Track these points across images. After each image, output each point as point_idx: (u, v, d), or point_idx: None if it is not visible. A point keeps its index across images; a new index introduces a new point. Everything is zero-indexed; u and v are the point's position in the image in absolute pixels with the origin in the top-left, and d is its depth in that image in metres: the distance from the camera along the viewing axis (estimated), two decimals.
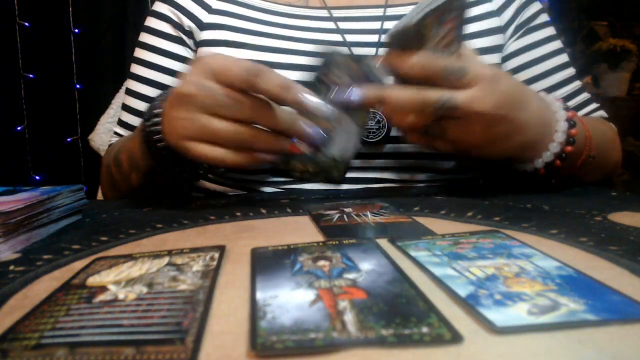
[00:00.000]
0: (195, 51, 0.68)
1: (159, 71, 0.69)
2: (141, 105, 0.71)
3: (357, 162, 0.63)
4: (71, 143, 1.71)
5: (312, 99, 0.42)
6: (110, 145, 0.75)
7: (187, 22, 0.68)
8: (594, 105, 0.70)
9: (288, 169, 0.46)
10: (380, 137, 0.60)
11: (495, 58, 0.66)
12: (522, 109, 0.45)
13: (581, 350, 0.18)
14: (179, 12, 0.68)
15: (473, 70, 0.42)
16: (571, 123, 0.47)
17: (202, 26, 0.67)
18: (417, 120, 0.44)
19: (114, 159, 0.61)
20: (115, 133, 0.75)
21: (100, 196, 0.96)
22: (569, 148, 0.47)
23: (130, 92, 0.72)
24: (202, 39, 0.67)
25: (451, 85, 0.42)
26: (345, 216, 0.40)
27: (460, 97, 0.42)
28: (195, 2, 0.68)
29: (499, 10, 0.68)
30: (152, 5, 0.73)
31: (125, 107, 0.73)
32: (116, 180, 0.61)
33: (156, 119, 0.47)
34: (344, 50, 0.46)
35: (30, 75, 1.66)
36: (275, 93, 0.41)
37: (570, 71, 0.69)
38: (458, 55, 0.44)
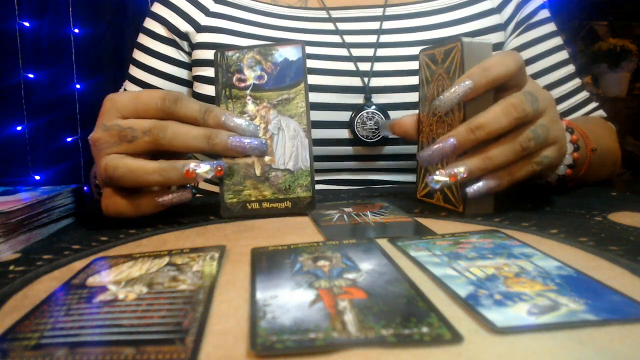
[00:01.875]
0: (190, 54, 0.68)
1: (153, 74, 0.69)
2: None
3: (357, 164, 0.63)
4: (71, 143, 1.72)
5: (235, 119, 0.41)
6: None
7: (183, 25, 0.68)
8: (593, 105, 0.70)
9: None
10: (379, 137, 0.60)
11: None
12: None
13: (581, 350, 0.18)
14: (176, 14, 0.68)
15: (538, 94, 0.40)
16: (570, 130, 0.46)
17: (199, 29, 0.67)
18: (521, 168, 0.40)
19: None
20: None
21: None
22: (575, 155, 0.46)
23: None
24: (198, 41, 0.67)
25: (535, 117, 0.39)
26: (345, 216, 0.40)
27: (545, 122, 0.40)
28: (193, 5, 0.68)
29: (499, 7, 0.68)
30: (152, 6, 0.73)
31: None
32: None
33: None
34: None
35: (30, 75, 1.66)
36: (194, 116, 0.40)
37: (570, 68, 0.69)
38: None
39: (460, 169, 0.38)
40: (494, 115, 0.38)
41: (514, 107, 0.38)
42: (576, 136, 0.46)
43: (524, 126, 0.39)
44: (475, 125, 0.38)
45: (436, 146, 0.39)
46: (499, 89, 0.40)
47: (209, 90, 0.63)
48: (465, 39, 0.40)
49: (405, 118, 0.49)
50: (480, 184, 0.39)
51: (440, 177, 0.38)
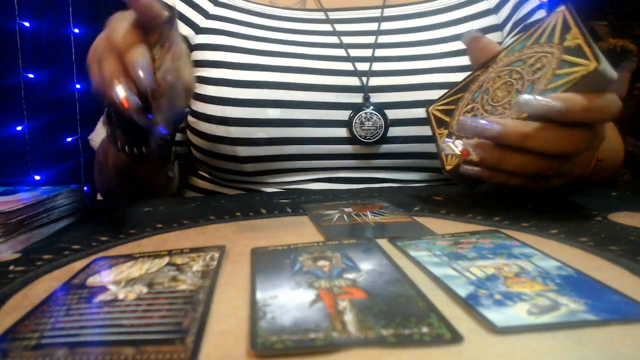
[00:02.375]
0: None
1: None
2: None
3: (355, 163, 0.64)
4: (71, 143, 1.72)
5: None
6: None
7: (183, 29, 0.68)
8: None
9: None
10: (378, 137, 0.61)
11: None
12: None
13: (581, 350, 0.18)
14: (178, 18, 0.68)
15: (599, 135, 0.39)
16: None
17: (199, 31, 0.67)
18: (521, 180, 0.40)
19: (102, 150, 0.61)
20: None
21: (100, 196, 0.97)
22: None
23: None
24: (197, 43, 0.67)
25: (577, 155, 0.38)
26: (345, 216, 0.40)
27: (577, 160, 0.39)
28: (193, 8, 0.68)
29: (496, 7, 0.69)
30: None
31: None
32: (103, 167, 0.61)
33: None
34: None
35: (30, 75, 1.66)
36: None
37: None
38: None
39: (475, 153, 0.38)
40: (552, 138, 0.36)
41: (573, 144, 0.36)
42: None
43: (561, 159, 0.38)
44: (528, 134, 0.36)
45: (483, 122, 0.38)
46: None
47: (209, 90, 0.63)
48: (603, 66, 0.35)
49: (492, 47, 0.46)
50: (476, 168, 0.39)
51: (454, 147, 0.39)
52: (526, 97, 0.36)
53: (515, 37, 0.45)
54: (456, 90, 0.48)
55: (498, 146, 0.38)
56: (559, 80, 0.37)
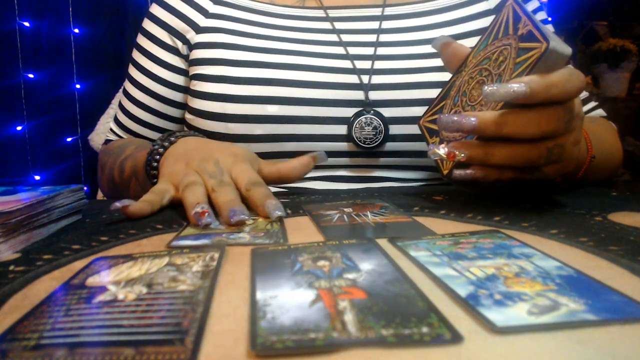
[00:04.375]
0: (188, 57, 0.69)
1: (151, 78, 0.70)
2: (133, 108, 0.72)
3: (354, 161, 0.64)
4: (71, 143, 1.72)
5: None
6: (107, 141, 0.75)
7: (183, 28, 0.68)
8: (592, 104, 0.70)
9: None
10: (377, 142, 0.61)
11: None
12: None
13: (581, 350, 0.18)
14: (177, 17, 0.68)
15: (575, 112, 0.39)
16: None
17: (199, 30, 0.67)
18: (514, 173, 0.40)
19: (119, 164, 0.61)
20: (111, 130, 0.76)
21: (100, 196, 0.97)
22: None
23: (125, 93, 0.73)
24: (197, 41, 0.67)
25: (560, 135, 0.38)
26: (345, 216, 0.40)
27: (564, 142, 0.39)
28: (193, 7, 0.68)
29: (495, 8, 0.69)
30: (153, 2, 0.73)
31: (120, 107, 0.74)
32: (117, 184, 0.61)
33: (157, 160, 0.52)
34: None
35: (30, 75, 1.66)
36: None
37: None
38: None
39: (461, 154, 0.39)
40: (526, 121, 0.37)
41: (548, 123, 0.37)
42: None
43: (545, 141, 0.38)
44: (503, 120, 0.37)
45: (457, 118, 0.38)
46: None
47: (207, 87, 0.63)
48: (553, 44, 0.36)
49: (461, 50, 0.48)
50: (467, 171, 0.40)
51: (440, 152, 0.39)
52: (490, 87, 0.37)
53: (479, 38, 0.46)
54: (439, 100, 0.50)
55: (481, 142, 0.39)
56: (520, 68, 0.38)
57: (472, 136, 0.41)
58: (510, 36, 0.41)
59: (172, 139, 0.53)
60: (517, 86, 0.36)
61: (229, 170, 0.47)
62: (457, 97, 0.46)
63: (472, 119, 0.38)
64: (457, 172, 0.40)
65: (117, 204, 0.42)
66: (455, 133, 0.43)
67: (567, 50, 0.37)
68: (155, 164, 0.52)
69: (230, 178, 0.46)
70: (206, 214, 0.39)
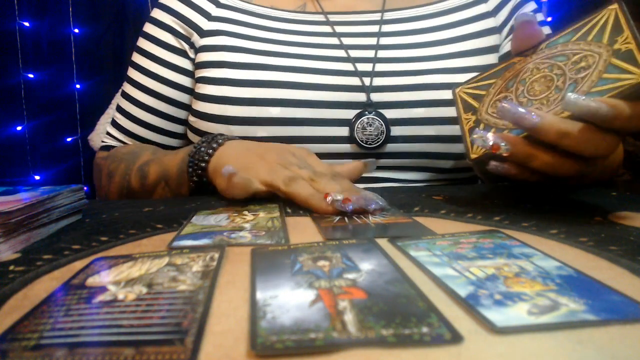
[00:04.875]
0: (194, 59, 0.69)
1: (158, 81, 0.70)
2: (137, 111, 0.71)
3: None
4: (71, 143, 1.72)
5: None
6: (105, 147, 0.74)
7: (189, 32, 0.68)
8: None
9: None
10: (379, 143, 0.61)
11: (492, 58, 0.67)
12: None
13: (581, 350, 0.18)
14: (181, 21, 0.69)
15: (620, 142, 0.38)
16: None
17: (202, 33, 0.67)
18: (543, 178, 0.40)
19: (137, 170, 0.61)
20: (108, 134, 0.75)
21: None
22: None
23: (126, 96, 0.73)
24: (201, 45, 0.67)
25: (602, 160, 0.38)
26: (345, 217, 0.40)
27: (600, 163, 0.40)
28: (196, 11, 0.68)
29: (494, 10, 0.69)
30: (152, 6, 0.73)
31: (121, 110, 0.74)
32: (134, 190, 0.61)
33: (207, 157, 0.52)
34: None
35: (30, 75, 1.66)
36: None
37: None
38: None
39: (506, 147, 0.37)
40: (588, 141, 0.35)
41: (607, 148, 0.36)
42: None
43: (589, 161, 0.37)
44: (566, 132, 0.35)
45: (523, 111, 0.36)
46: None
47: (210, 90, 0.63)
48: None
49: (540, 34, 0.44)
50: (504, 166, 0.39)
51: (487, 139, 0.37)
52: (575, 96, 0.34)
53: (561, 30, 0.43)
54: (488, 75, 0.46)
55: (530, 142, 0.37)
56: (605, 85, 0.36)
57: (518, 130, 0.38)
58: (603, 45, 0.38)
59: (220, 141, 0.54)
60: (603, 107, 0.34)
61: (307, 161, 0.48)
62: (513, 83, 0.43)
63: (536, 117, 0.36)
64: (494, 164, 0.39)
65: (230, 168, 0.45)
66: (499, 121, 0.41)
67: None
68: (203, 165, 0.52)
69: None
70: (350, 201, 0.40)
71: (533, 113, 0.36)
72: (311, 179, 0.45)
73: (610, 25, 0.38)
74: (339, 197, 0.40)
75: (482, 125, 0.43)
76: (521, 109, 0.36)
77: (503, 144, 0.37)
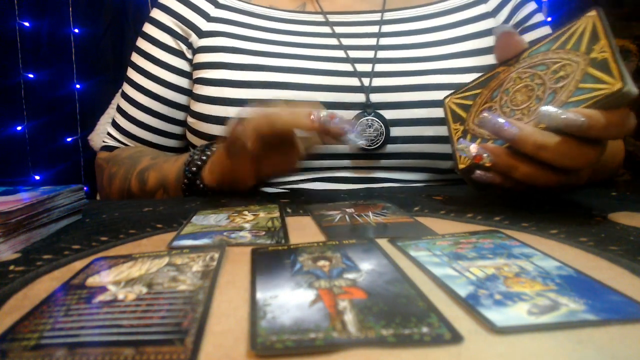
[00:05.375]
0: (192, 60, 0.69)
1: (156, 82, 0.70)
2: (135, 112, 0.71)
3: (356, 163, 0.64)
4: (71, 143, 1.72)
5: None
6: (106, 147, 0.74)
7: (187, 32, 0.68)
8: None
9: None
10: (378, 144, 0.61)
11: (491, 59, 0.66)
12: None
13: (581, 350, 0.18)
14: (179, 21, 0.68)
15: (601, 154, 0.39)
16: None
17: (201, 34, 0.67)
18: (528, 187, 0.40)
19: (137, 175, 0.61)
20: (109, 134, 0.75)
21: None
22: None
23: (125, 97, 0.73)
24: (200, 45, 0.67)
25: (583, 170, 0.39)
26: (346, 216, 0.40)
27: (584, 173, 0.40)
28: (194, 11, 0.68)
29: (494, 11, 0.69)
30: (152, 6, 0.73)
31: (120, 111, 0.74)
32: (134, 194, 0.61)
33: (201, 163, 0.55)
34: None
35: (30, 75, 1.66)
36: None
37: None
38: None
39: (488, 158, 0.38)
40: (565, 153, 0.36)
41: (586, 160, 0.36)
42: None
43: (569, 173, 0.38)
44: (543, 144, 0.36)
45: (502, 121, 0.37)
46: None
47: (209, 91, 0.63)
48: (628, 87, 0.34)
49: (521, 43, 0.45)
50: (488, 175, 0.39)
51: (471, 149, 0.39)
52: (549, 109, 0.35)
53: (542, 38, 0.43)
54: (475, 85, 0.47)
55: (512, 154, 0.38)
56: (581, 95, 0.36)
57: (502, 141, 0.39)
58: (580, 54, 0.38)
59: (214, 149, 0.55)
60: (576, 118, 0.34)
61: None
62: (497, 93, 0.44)
63: (514, 129, 0.37)
64: (479, 173, 0.40)
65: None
66: (485, 131, 0.42)
67: (635, 92, 0.35)
68: (194, 169, 0.55)
69: None
70: (334, 116, 0.41)
71: (512, 124, 0.37)
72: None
73: (589, 33, 0.39)
74: (324, 113, 0.41)
75: (469, 136, 0.44)
76: (500, 120, 0.37)
77: (486, 154, 0.38)
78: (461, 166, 0.42)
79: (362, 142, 0.42)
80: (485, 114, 0.39)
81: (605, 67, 0.36)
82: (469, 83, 0.48)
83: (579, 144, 0.36)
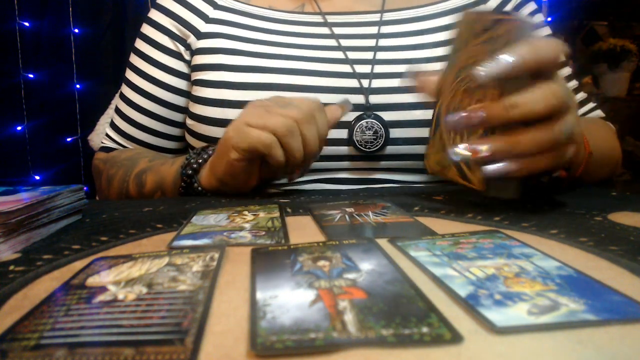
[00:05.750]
0: (190, 62, 0.69)
1: (154, 84, 0.70)
2: (133, 114, 0.71)
3: (355, 164, 0.64)
4: (71, 143, 1.71)
5: None
6: (104, 149, 0.74)
7: (186, 34, 0.68)
8: (590, 105, 0.70)
9: None
10: (378, 146, 0.61)
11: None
12: None
13: (581, 350, 0.18)
14: (178, 23, 0.68)
15: (566, 88, 0.38)
16: None
17: (200, 35, 0.67)
18: (545, 160, 0.38)
19: (135, 177, 0.61)
20: (107, 136, 0.75)
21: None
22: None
23: (123, 99, 0.73)
24: (198, 47, 0.67)
25: (567, 111, 0.38)
26: (346, 216, 0.40)
27: (573, 119, 0.38)
28: (193, 12, 0.68)
29: (494, 12, 0.69)
30: (151, 7, 0.73)
31: (118, 112, 0.74)
32: (132, 196, 0.61)
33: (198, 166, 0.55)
34: None
35: (30, 75, 1.66)
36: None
37: (567, 71, 0.70)
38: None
39: (484, 147, 0.37)
40: (533, 98, 0.36)
41: (554, 95, 0.36)
42: None
43: (556, 118, 0.37)
44: (510, 103, 0.36)
45: (465, 114, 0.37)
46: (532, 75, 0.37)
47: (208, 93, 0.63)
48: (521, 17, 0.36)
49: (431, 78, 0.46)
50: (500, 164, 0.38)
51: (462, 150, 0.37)
52: (481, 68, 0.36)
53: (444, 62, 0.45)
54: (434, 132, 0.47)
55: (503, 133, 0.37)
56: (497, 51, 0.37)
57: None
58: (473, 38, 0.41)
59: (210, 152, 0.56)
60: (503, 58, 0.35)
61: (286, 102, 0.50)
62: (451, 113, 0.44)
63: (480, 112, 0.37)
64: (490, 168, 0.38)
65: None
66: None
67: (529, 19, 0.37)
68: (190, 172, 0.55)
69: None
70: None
71: (472, 109, 0.37)
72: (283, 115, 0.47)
73: (467, 27, 0.42)
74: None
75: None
76: (462, 113, 0.37)
77: (480, 147, 0.37)
78: (479, 185, 0.40)
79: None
80: (446, 119, 0.39)
81: (495, 23, 0.38)
82: (428, 139, 0.48)
83: (539, 86, 0.36)
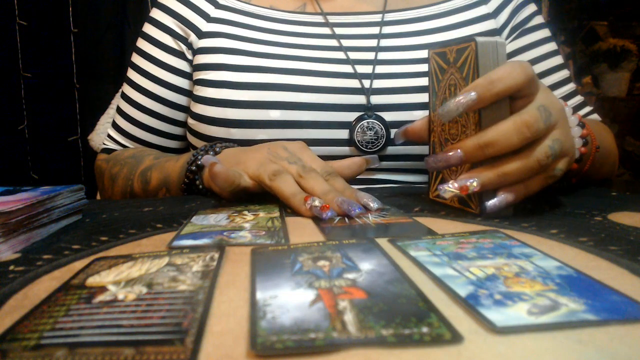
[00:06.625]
0: (192, 61, 0.69)
1: (156, 83, 0.69)
2: (136, 113, 0.71)
3: None
4: (71, 143, 1.71)
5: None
6: (106, 150, 0.74)
7: (187, 32, 0.68)
8: (587, 109, 0.71)
9: None
10: (379, 147, 0.61)
11: None
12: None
13: (581, 350, 0.18)
14: (180, 21, 0.68)
15: (551, 106, 0.38)
16: (581, 125, 0.46)
17: (201, 35, 0.67)
18: (537, 182, 0.39)
19: (139, 175, 0.61)
20: (109, 137, 0.75)
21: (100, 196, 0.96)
22: (583, 149, 0.45)
23: (125, 98, 0.73)
24: (200, 46, 0.67)
25: (548, 132, 0.38)
26: (346, 217, 0.40)
27: (558, 135, 0.38)
28: (195, 12, 0.68)
29: (494, 12, 0.69)
30: (152, 6, 0.73)
31: (120, 112, 0.73)
32: (137, 194, 0.61)
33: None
34: None
35: (30, 75, 1.66)
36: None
37: (565, 73, 0.70)
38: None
39: (473, 183, 0.38)
40: (505, 133, 0.36)
41: (526, 126, 0.36)
42: (586, 131, 0.46)
43: (538, 141, 0.38)
44: (485, 142, 0.37)
45: (443, 155, 0.39)
46: (511, 97, 0.38)
47: (209, 92, 0.63)
48: (480, 39, 0.38)
49: (416, 123, 0.47)
50: (497, 199, 0.38)
51: (451, 188, 0.38)
52: (441, 108, 0.38)
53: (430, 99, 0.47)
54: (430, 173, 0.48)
55: (490, 164, 0.38)
56: (469, 79, 0.40)
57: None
58: (447, 69, 0.43)
59: (218, 149, 0.55)
60: (463, 96, 0.37)
61: (299, 156, 0.48)
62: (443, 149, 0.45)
63: (458, 151, 0.38)
64: (491, 203, 0.38)
65: (210, 158, 0.45)
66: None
67: (500, 39, 0.39)
68: (194, 168, 0.54)
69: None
70: (328, 208, 0.39)
71: (453, 149, 0.38)
72: (299, 175, 0.44)
73: (439, 59, 0.44)
74: (317, 203, 0.39)
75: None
76: (440, 155, 0.39)
77: (469, 181, 0.38)
78: (478, 211, 0.40)
79: (375, 208, 0.42)
80: (426, 160, 0.41)
81: (460, 52, 0.41)
82: (429, 176, 0.48)
83: (512, 120, 0.37)
